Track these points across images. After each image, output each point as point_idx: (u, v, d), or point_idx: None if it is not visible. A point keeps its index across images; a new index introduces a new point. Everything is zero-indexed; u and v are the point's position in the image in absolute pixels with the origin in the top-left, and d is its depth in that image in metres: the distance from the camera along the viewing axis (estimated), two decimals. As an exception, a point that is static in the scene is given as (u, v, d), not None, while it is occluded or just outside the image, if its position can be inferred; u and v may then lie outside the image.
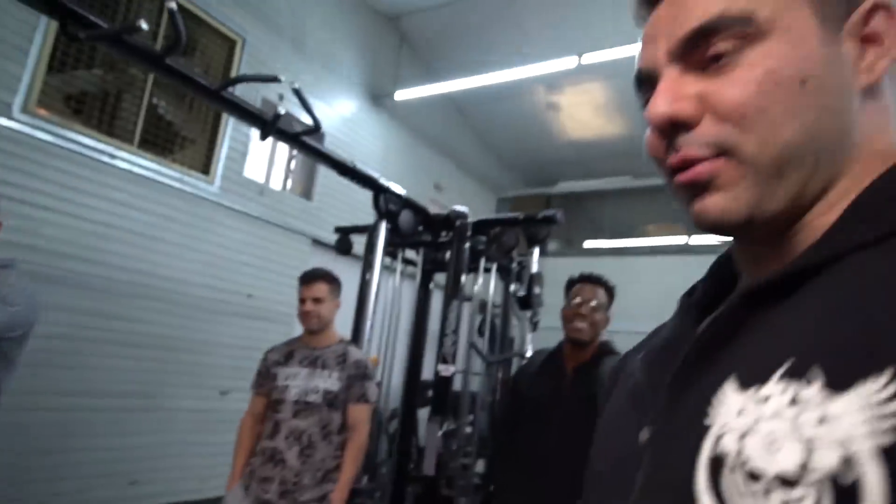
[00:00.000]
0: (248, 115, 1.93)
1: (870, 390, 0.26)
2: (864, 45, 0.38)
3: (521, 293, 2.75)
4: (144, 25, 1.45)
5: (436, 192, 6.49)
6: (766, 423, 0.29)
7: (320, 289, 2.14)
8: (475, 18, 5.09)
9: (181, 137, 3.91)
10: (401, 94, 5.39)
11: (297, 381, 2.09)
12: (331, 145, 5.00)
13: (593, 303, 1.86)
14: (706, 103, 0.38)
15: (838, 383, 0.27)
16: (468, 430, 3.41)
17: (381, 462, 2.99)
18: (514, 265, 3.35)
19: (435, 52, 5.80)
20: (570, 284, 1.95)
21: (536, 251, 2.92)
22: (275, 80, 1.77)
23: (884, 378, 0.25)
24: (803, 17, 0.37)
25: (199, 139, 4.03)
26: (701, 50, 0.38)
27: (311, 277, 2.15)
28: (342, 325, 2.68)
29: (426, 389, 3.42)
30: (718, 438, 0.32)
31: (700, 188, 0.38)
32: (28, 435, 3.04)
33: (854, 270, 0.32)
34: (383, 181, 2.45)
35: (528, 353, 3.07)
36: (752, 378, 0.32)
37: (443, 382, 2.64)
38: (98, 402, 3.36)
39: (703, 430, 0.33)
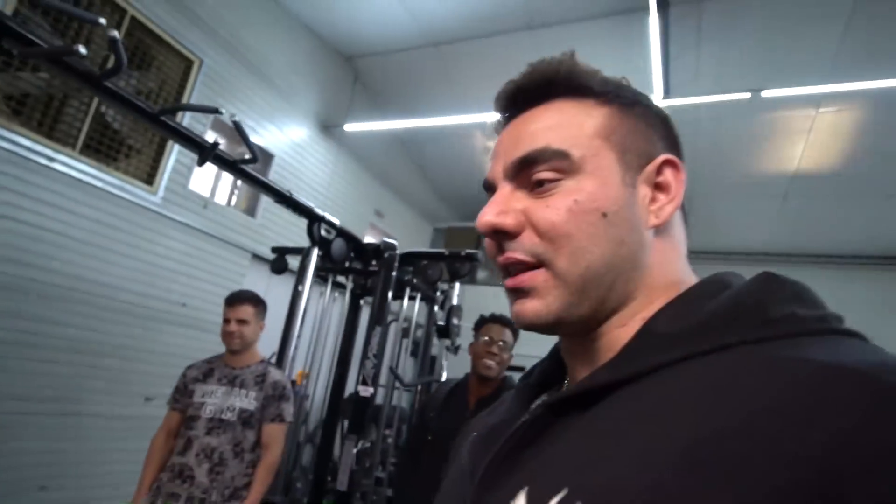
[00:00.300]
0: (188, 141, 1.84)
1: None
2: (656, 191, 0.43)
3: (441, 323, 2.75)
4: (83, 50, 1.37)
5: (376, 218, 6.45)
6: None
7: (246, 311, 2.05)
8: (418, 69, 5.18)
9: (127, 146, 3.68)
10: (350, 127, 5.37)
11: (214, 399, 1.98)
12: (279, 167, 4.88)
13: (501, 342, 1.89)
14: (528, 219, 0.41)
15: None
16: (389, 440, 3.35)
17: (297, 477, 2.87)
18: (439, 294, 3.36)
19: (385, 92, 5.84)
20: (480, 323, 1.97)
21: (458, 285, 2.95)
22: (215, 111, 1.71)
23: None
24: (609, 162, 0.41)
25: (146, 149, 3.81)
26: (528, 173, 0.42)
27: (237, 299, 2.06)
28: (273, 339, 2.57)
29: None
30: None
31: (522, 293, 0.41)
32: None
33: (622, 404, 0.34)
34: (318, 211, 2.41)
35: (444, 378, 3.07)
36: (536, 498, 0.33)
37: (361, 402, 2.58)
38: (12, 405, 3.04)
39: None
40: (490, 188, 0.45)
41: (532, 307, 0.41)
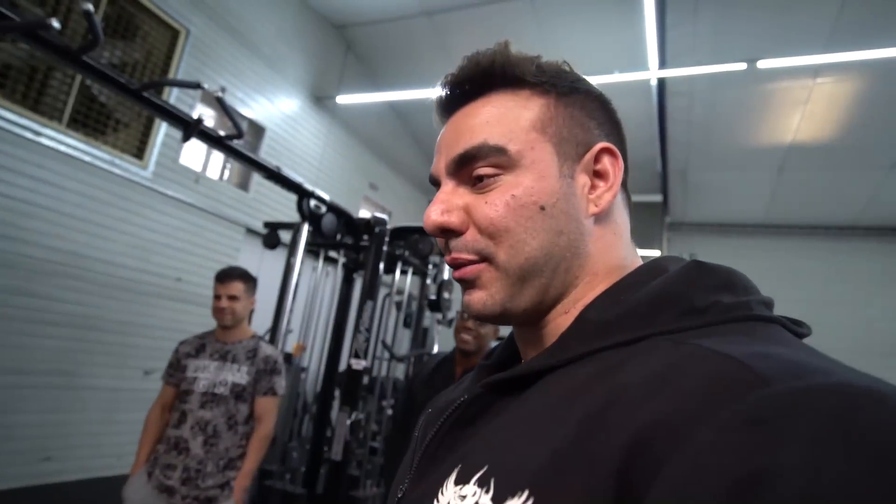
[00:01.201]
0: (171, 117, 1.82)
1: None
2: (595, 179, 0.43)
3: (433, 297, 2.78)
4: (56, 24, 1.33)
5: (371, 191, 6.41)
6: None
7: (236, 287, 2.06)
8: (412, 39, 5.06)
9: (114, 120, 3.63)
10: (343, 98, 5.28)
11: (207, 374, 2.01)
12: (271, 140, 4.82)
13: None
14: (470, 216, 0.42)
15: (498, 497, 0.31)
16: (389, 411, 3.42)
17: (293, 447, 2.94)
18: (431, 268, 3.38)
19: (378, 62, 5.71)
20: (467, 298, 1.99)
21: (449, 259, 2.96)
22: (197, 86, 1.68)
23: (520, 499, 0.30)
24: (546, 154, 0.41)
25: (134, 123, 3.76)
26: (469, 169, 0.42)
27: (227, 276, 2.07)
28: (267, 313, 2.59)
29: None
30: None
31: (469, 284, 0.43)
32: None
33: (549, 387, 0.36)
34: (307, 186, 2.39)
35: (435, 350, 3.12)
36: (464, 475, 0.35)
37: (354, 375, 2.62)
38: (13, 379, 3.08)
39: None
40: (434, 183, 0.46)
41: (479, 297, 0.42)
